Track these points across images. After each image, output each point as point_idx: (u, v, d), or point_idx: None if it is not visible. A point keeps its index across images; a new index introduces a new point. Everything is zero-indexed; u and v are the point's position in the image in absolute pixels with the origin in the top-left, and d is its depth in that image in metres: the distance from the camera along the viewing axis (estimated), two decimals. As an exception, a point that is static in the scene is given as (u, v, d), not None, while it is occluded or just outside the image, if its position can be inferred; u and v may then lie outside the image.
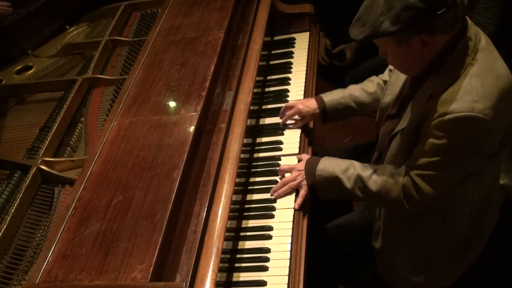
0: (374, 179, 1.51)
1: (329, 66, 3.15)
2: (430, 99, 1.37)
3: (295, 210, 1.60)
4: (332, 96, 1.86)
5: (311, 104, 1.86)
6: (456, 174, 1.40)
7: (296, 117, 1.88)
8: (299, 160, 1.72)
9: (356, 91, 1.84)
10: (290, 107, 1.88)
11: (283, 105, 1.99)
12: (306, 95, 2.04)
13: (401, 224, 1.62)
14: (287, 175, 1.67)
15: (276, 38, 2.39)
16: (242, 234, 1.59)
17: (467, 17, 1.37)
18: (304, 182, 1.62)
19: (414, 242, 1.61)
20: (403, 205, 1.48)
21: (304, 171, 1.62)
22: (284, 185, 1.64)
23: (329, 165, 1.59)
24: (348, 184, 1.55)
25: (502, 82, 1.33)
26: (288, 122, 1.90)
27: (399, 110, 1.55)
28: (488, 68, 1.33)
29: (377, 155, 1.70)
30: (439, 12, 1.24)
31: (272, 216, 1.61)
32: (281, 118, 1.92)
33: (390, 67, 1.77)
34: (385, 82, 1.80)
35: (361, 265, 2.33)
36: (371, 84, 1.84)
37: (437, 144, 1.34)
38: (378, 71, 1.90)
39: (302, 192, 1.62)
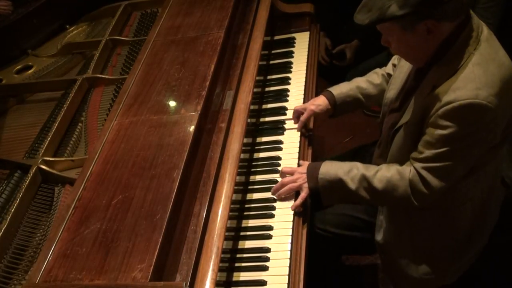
0: (379, 177, 1.50)
1: (329, 66, 3.15)
2: (433, 90, 1.37)
3: (293, 211, 1.59)
4: (341, 89, 1.85)
5: (322, 101, 1.85)
6: (462, 165, 1.40)
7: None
8: (300, 165, 1.71)
9: (362, 83, 1.84)
10: (301, 111, 1.86)
11: (283, 104, 2.00)
12: (306, 94, 2.04)
13: (403, 219, 1.61)
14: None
15: (276, 37, 2.39)
16: (242, 233, 1.59)
17: (470, 9, 1.38)
18: (306, 185, 1.60)
19: (415, 238, 1.61)
20: (411, 201, 1.47)
21: (305, 174, 1.61)
22: (283, 186, 1.63)
23: (331, 168, 1.58)
24: (353, 185, 1.53)
25: (504, 71, 1.34)
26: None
27: (401, 103, 1.55)
28: (490, 58, 1.34)
29: (379, 151, 1.70)
30: None
31: (272, 216, 1.61)
32: (295, 123, 1.88)
33: (394, 61, 1.77)
34: (388, 74, 1.80)
35: (361, 263, 2.33)
36: (376, 76, 1.84)
37: (443, 135, 1.34)
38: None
39: (303, 194, 1.60)
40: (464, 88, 1.30)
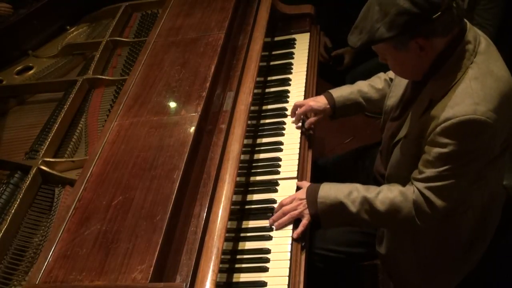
0: (381, 199, 1.46)
1: (328, 63, 3.15)
2: (430, 106, 1.36)
3: (293, 239, 1.53)
4: (341, 92, 1.85)
5: (322, 100, 1.86)
6: (464, 182, 1.37)
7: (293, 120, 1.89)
8: (298, 188, 1.66)
9: (364, 87, 1.83)
10: (300, 106, 1.87)
11: (283, 105, 2.00)
12: (306, 95, 2.04)
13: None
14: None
15: (276, 38, 2.39)
16: (242, 234, 1.59)
17: (466, 21, 1.36)
18: (307, 212, 1.55)
19: (418, 246, 1.59)
20: (415, 222, 1.43)
21: (305, 200, 1.56)
22: (284, 214, 1.57)
23: (331, 190, 1.54)
24: (353, 208, 1.49)
25: (502, 85, 1.32)
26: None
27: (401, 113, 1.54)
28: (487, 71, 1.32)
29: (381, 158, 1.69)
30: (433, 17, 1.24)
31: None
32: (292, 117, 1.91)
33: None
34: (391, 79, 1.79)
35: (362, 266, 2.33)
36: (379, 81, 1.83)
37: (443, 153, 1.32)
38: (379, 71, 1.90)
39: (304, 221, 1.55)
40: (461, 103, 1.28)
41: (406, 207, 1.43)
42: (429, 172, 1.37)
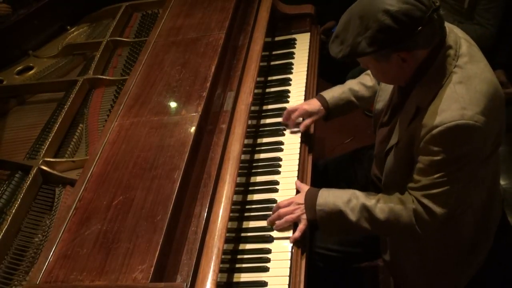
0: (381, 207, 1.45)
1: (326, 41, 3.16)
2: (418, 113, 1.36)
3: (291, 243, 1.53)
4: (333, 93, 1.86)
5: (315, 103, 1.87)
6: (460, 185, 1.37)
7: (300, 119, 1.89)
8: (297, 191, 1.66)
9: (355, 86, 1.84)
10: (294, 110, 1.87)
11: (283, 105, 2.00)
12: (307, 95, 2.04)
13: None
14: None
15: (277, 38, 2.39)
16: (243, 235, 1.59)
17: (446, 24, 1.35)
18: (304, 216, 1.54)
19: (422, 251, 1.58)
20: (415, 229, 1.42)
21: (303, 205, 1.55)
22: (280, 217, 1.56)
23: (329, 197, 1.52)
24: (353, 216, 1.48)
25: (486, 86, 1.31)
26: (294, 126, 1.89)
27: (389, 119, 1.54)
28: (471, 74, 1.32)
29: (375, 162, 1.68)
30: (415, 32, 1.24)
31: (273, 217, 1.61)
32: (285, 120, 1.90)
33: None
34: None
35: (362, 264, 2.33)
36: (368, 78, 1.84)
37: (435, 161, 1.31)
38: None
39: (301, 226, 1.54)
40: (448, 109, 1.27)
41: (406, 215, 1.42)
42: (425, 180, 1.36)
